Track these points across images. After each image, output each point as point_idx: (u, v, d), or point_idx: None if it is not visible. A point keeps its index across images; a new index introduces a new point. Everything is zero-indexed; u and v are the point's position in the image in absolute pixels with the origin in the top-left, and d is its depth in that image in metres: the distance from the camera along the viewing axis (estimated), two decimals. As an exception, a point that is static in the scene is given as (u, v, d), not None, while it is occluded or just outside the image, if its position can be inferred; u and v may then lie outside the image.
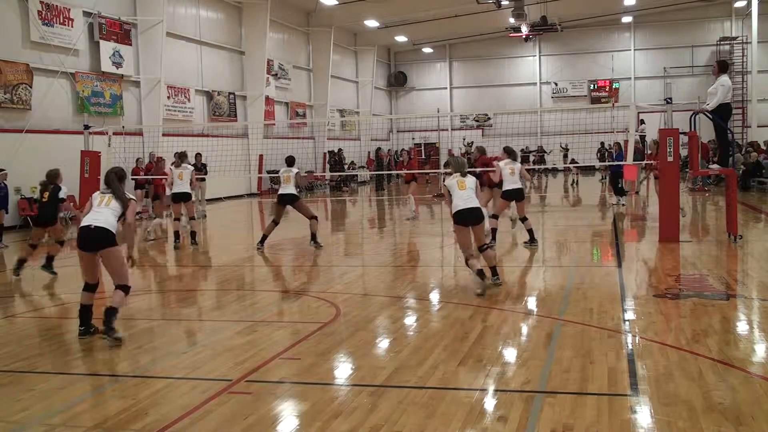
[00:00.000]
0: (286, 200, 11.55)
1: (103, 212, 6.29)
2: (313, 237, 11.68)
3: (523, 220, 11.09)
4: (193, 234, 12.36)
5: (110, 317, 6.04)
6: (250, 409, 4.39)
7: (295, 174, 11.75)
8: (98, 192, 6.61)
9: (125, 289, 6.28)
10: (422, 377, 4.87)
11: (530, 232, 10.93)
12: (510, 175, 10.90)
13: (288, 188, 11.59)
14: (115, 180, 6.51)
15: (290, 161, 12.09)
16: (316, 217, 11.76)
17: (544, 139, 37.41)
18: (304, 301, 7.80)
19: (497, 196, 11.75)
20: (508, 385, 4.71)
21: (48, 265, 9.90)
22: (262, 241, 11.67)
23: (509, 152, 11.32)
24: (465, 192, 7.82)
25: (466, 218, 7.72)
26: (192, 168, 12.95)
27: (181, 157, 12.69)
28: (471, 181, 8.00)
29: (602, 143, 26.52)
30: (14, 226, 16.56)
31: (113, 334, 6.00)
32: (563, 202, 20.98)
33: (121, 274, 6.26)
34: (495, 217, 11.24)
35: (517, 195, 11.00)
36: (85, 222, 6.27)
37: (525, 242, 11.03)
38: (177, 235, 12.79)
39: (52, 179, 10.02)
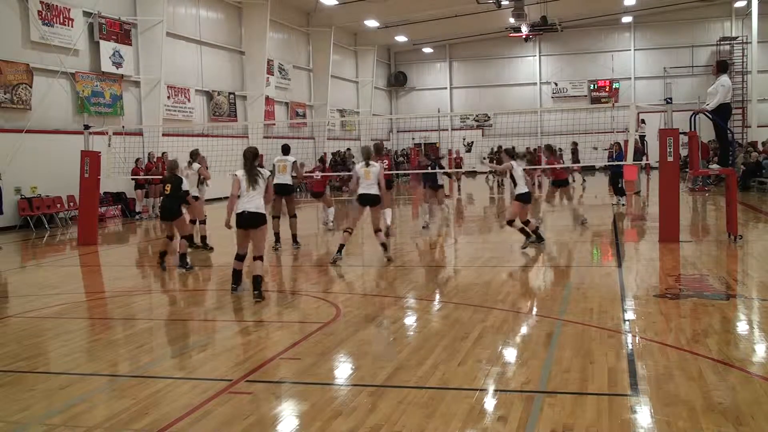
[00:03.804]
0: (283, 191, 11.36)
1: (254, 198, 7.65)
2: (294, 238, 11.87)
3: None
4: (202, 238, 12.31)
5: (258, 282, 7.66)
6: (250, 409, 4.39)
7: (292, 163, 11.54)
8: (242, 173, 7.70)
9: (262, 259, 7.83)
10: (422, 377, 4.87)
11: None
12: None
13: (283, 178, 11.42)
14: (250, 159, 7.76)
15: (286, 150, 11.82)
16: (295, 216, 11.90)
17: (544, 139, 37.37)
18: (304, 301, 7.80)
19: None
20: (508, 385, 4.71)
21: (182, 264, 9.76)
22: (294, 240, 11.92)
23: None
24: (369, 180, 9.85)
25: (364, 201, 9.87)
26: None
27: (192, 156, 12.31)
28: (375, 169, 9.83)
29: (611, 144, 26.30)
30: (14, 226, 16.58)
31: (260, 296, 7.63)
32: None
33: (261, 247, 7.81)
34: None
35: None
36: (239, 208, 7.64)
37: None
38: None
39: (173, 170, 9.80)
